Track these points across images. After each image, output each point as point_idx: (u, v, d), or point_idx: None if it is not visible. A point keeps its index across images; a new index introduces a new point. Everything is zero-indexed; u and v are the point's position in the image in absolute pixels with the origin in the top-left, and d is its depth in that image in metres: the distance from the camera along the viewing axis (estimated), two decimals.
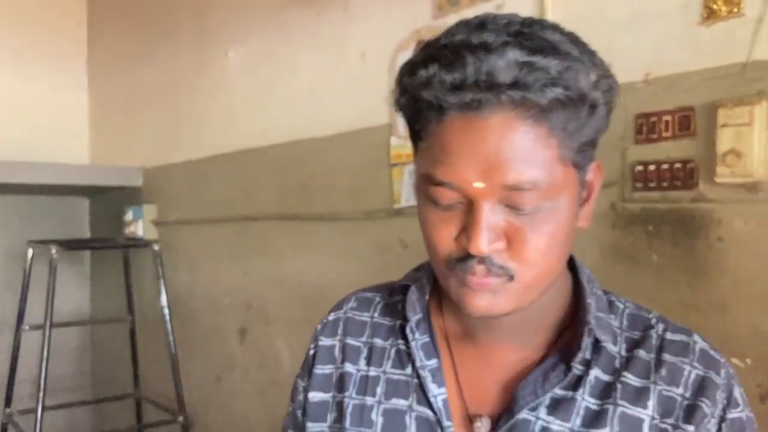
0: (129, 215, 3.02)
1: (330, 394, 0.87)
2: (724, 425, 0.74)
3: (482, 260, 0.69)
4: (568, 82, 0.65)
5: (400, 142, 1.84)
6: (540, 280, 0.72)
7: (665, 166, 1.33)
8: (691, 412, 0.73)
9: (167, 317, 2.74)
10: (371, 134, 1.92)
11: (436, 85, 0.66)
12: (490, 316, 0.73)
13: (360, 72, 1.97)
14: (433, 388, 0.80)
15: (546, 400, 0.76)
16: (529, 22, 0.69)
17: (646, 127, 1.36)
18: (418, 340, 0.83)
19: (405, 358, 0.83)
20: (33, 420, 2.49)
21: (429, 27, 1.78)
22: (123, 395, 3.01)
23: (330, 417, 0.86)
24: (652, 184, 1.35)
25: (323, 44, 2.09)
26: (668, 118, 1.33)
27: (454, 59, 0.65)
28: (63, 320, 2.94)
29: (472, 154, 0.66)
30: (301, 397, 0.91)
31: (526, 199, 0.67)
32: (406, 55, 1.91)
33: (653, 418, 0.74)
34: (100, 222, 3.47)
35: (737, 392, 0.76)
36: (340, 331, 0.91)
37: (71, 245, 2.91)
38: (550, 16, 1.50)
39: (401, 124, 1.84)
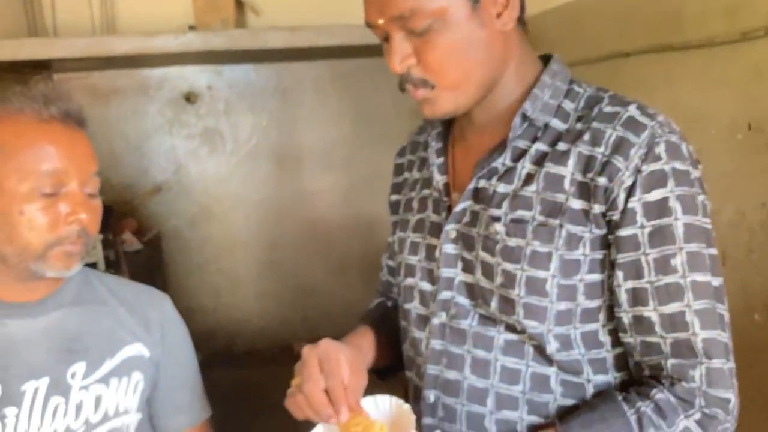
0: None
1: (399, 196, 1.24)
2: (639, 176, 0.90)
3: (406, 78, 0.97)
4: None
5: None
6: (461, 81, 0.96)
7: None
8: (604, 167, 0.91)
9: None
10: None
11: None
12: (435, 117, 1.01)
13: None
14: (437, 177, 1.10)
15: (501, 171, 1.00)
16: None
17: None
18: (433, 147, 1.12)
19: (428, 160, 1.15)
20: None
21: None
22: None
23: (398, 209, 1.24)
24: None
25: None
26: None
27: None
28: None
29: (369, 2, 0.97)
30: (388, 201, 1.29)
31: (414, 23, 0.92)
32: None
33: (573, 174, 0.94)
34: None
35: (661, 149, 0.90)
36: (407, 152, 1.26)
37: None
38: None
39: None
